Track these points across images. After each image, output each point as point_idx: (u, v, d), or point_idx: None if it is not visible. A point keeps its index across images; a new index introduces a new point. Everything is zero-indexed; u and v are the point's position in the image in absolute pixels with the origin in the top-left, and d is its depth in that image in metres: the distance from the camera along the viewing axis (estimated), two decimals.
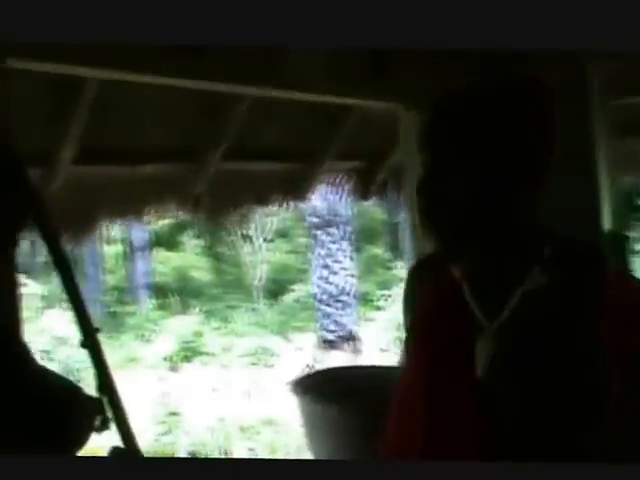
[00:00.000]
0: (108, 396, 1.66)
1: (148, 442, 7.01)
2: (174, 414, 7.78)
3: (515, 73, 1.22)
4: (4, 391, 1.50)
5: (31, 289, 9.80)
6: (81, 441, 1.53)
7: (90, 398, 1.58)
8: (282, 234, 17.26)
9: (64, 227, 2.92)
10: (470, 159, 1.16)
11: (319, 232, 10.60)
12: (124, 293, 16.11)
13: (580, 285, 1.16)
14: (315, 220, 10.67)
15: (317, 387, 2.76)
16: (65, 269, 1.68)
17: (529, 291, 1.16)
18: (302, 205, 3.98)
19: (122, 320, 14.13)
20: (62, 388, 1.55)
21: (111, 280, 16.80)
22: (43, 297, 10.13)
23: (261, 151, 3.48)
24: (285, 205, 3.83)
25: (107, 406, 1.64)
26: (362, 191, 4.07)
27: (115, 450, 1.61)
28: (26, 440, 1.43)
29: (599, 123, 2.89)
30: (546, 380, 1.11)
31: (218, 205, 3.45)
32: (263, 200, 3.69)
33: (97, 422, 1.58)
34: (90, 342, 1.66)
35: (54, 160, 2.70)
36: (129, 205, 3.16)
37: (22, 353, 1.66)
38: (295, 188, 3.77)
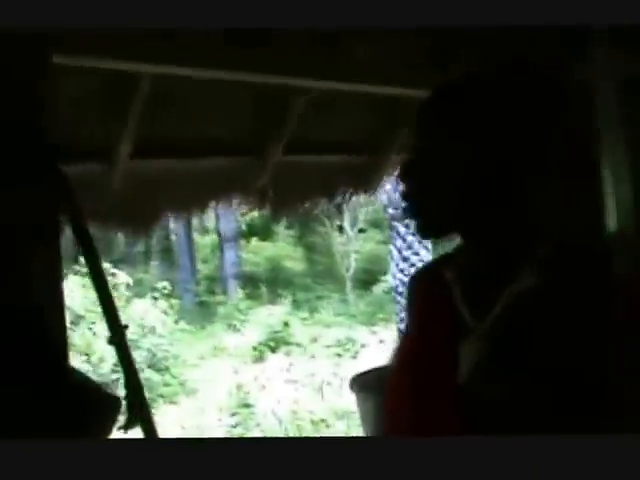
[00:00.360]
0: (134, 394, 1.66)
1: (219, 434, 7.09)
2: (247, 405, 7.81)
3: (516, 59, 1.15)
4: (37, 383, 1.52)
5: (120, 279, 10.05)
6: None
7: (114, 397, 1.58)
8: (375, 224, 17.24)
9: (126, 221, 2.96)
10: (457, 148, 1.11)
11: (397, 224, 10.41)
12: (215, 283, 16.39)
13: (581, 284, 1.07)
14: (392, 212, 10.49)
15: (370, 384, 2.74)
16: (94, 264, 1.68)
17: (519, 291, 1.09)
18: (376, 197, 3.89)
19: (213, 310, 14.37)
20: (85, 387, 1.56)
21: (204, 270, 17.13)
22: (131, 286, 10.39)
23: (326, 143, 3.44)
24: (354, 197, 3.78)
25: (134, 404, 1.64)
26: None
27: None
28: (46, 434, 1.44)
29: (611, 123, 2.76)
30: (535, 382, 1.05)
31: (283, 198, 3.44)
32: (331, 192, 3.66)
33: (122, 420, 1.59)
34: (117, 339, 1.67)
35: (115, 155, 2.74)
36: (192, 198, 3.18)
37: (58, 347, 1.68)
38: (363, 181, 3.72)
